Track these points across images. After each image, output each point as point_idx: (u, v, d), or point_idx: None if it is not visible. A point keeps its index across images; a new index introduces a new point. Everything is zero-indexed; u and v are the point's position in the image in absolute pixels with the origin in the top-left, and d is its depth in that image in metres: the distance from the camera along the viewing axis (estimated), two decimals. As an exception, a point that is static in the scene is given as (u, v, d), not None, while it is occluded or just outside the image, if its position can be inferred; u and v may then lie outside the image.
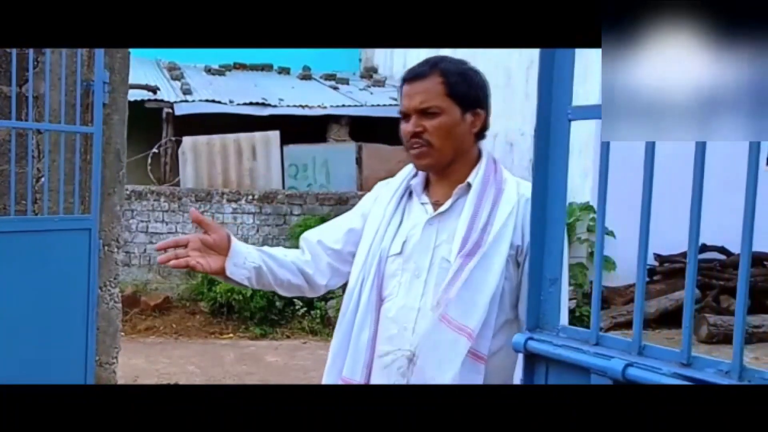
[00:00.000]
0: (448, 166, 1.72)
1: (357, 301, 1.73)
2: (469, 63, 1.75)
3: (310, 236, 1.85)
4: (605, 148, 1.02)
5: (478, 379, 1.63)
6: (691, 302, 0.94)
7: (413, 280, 1.69)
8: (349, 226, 1.84)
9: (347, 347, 1.73)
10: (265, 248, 1.80)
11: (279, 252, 1.80)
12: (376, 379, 1.70)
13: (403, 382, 1.66)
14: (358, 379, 1.70)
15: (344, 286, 1.84)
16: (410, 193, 1.78)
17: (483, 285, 1.61)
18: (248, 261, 1.71)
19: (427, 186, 1.78)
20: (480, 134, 1.74)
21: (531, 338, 1.10)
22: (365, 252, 1.75)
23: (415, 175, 1.79)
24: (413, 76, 1.70)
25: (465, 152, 1.72)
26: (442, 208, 1.71)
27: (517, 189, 1.71)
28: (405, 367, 1.66)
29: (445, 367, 1.59)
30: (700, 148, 0.91)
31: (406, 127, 1.70)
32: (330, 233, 1.84)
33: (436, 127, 1.66)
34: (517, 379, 1.70)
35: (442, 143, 1.67)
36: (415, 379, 1.64)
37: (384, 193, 1.83)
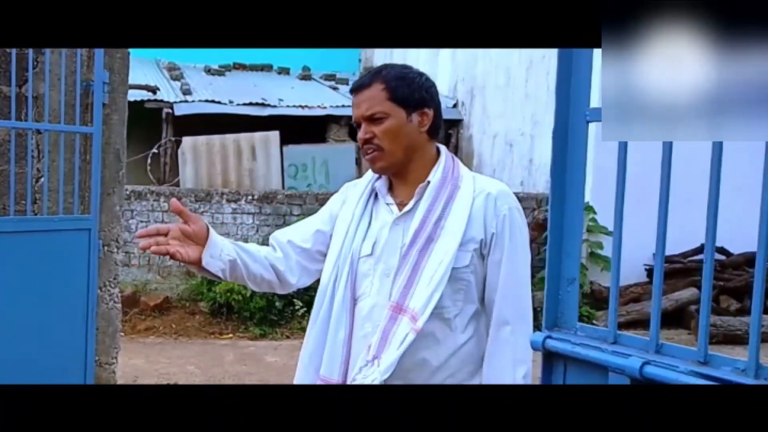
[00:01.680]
0: (404, 167, 1.78)
1: (331, 299, 1.78)
2: (412, 67, 1.83)
3: (280, 235, 1.90)
4: (623, 149, 1.03)
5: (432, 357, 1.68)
6: (708, 302, 0.94)
7: (383, 279, 1.74)
8: (317, 227, 1.89)
9: (323, 346, 1.77)
10: (240, 243, 1.84)
11: (253, 247, 1.85)
12: (352, 378, 1.72)
13: (372, 378, 1.67)
14: (335, 377, 1.74)
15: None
16: (376, 195, 1.84)
17: (434, 274, 1.66)
18: (224, 253, 1.74)
19: (391, 187, 1.84)
20: (432, 132, 1.80)
21: (549, 337, 1.12)
22: (336, 252, 1.80)
23: (379, 177, 1.85)
24: (358, 86, 1.79)
25: (419, 151, 1.78)
26: (406, 208, 1.77)
27: (474, 184, 1.77)
28: (371, 364, 1.68)
29: (393, 351, 1.63)
30: (717, 151, 0.90)
31: (359, 135, 1.78)
32: (299, 233, 1.89)
33: (384, 131, 1.74)
34: (494, 369, 1.73)
35: (391, 145, 1.74)
36: (378, 371, 1.66)
37: (352, 194, 1.89)
